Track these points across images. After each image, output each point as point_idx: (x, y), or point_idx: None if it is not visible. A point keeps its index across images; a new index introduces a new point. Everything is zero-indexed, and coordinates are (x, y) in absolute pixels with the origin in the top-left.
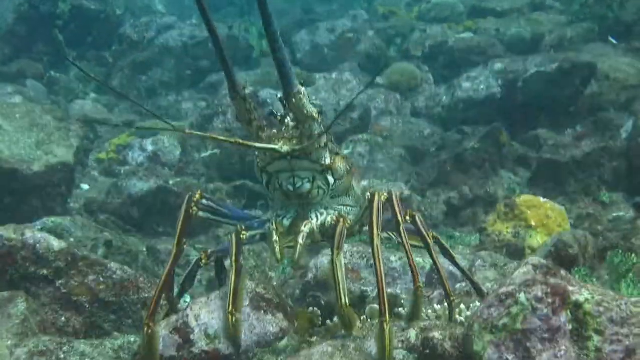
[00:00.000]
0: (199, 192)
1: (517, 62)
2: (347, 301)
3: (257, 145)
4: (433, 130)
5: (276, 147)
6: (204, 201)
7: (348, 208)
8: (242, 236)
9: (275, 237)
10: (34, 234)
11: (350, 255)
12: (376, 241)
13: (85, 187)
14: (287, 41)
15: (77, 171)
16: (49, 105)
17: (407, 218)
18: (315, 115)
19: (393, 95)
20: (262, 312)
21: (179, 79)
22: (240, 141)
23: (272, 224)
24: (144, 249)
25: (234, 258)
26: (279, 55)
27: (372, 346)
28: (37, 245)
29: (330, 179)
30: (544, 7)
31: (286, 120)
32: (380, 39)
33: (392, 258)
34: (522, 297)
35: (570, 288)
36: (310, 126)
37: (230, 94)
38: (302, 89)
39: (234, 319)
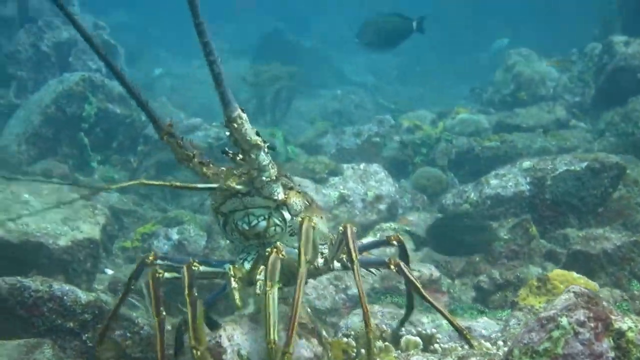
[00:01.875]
0: (152, 254)
1: (546, 160)
2: (275, 337)
3: (198, 185)
4: None
5: (215, 185)
6: (159, 261)
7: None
8: (194, 267)
9: (233, 284)
10: (61, 286)
11: (381, 316)
12: (355, 264)
13: (109, 272)
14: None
15: (102, 257)
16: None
17: (392, 267)
18: (260, 143)
19: (420, 195)
20: (297, 336)
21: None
22: (177, 184)
23: (230, 270)
24: (170, 327)
25: (186, 291)
26: (216, 69)
27: None
28: (65, 297)
29: (287, 215)
30: (568, 126)
31: (238, 158)
32: (405, 144)
33: (424, 320)
34: (564, 321)
35: (613, 316)
36: (256, 156)
37: (157, 134)
38: (243, 115)
39: (198, 354)
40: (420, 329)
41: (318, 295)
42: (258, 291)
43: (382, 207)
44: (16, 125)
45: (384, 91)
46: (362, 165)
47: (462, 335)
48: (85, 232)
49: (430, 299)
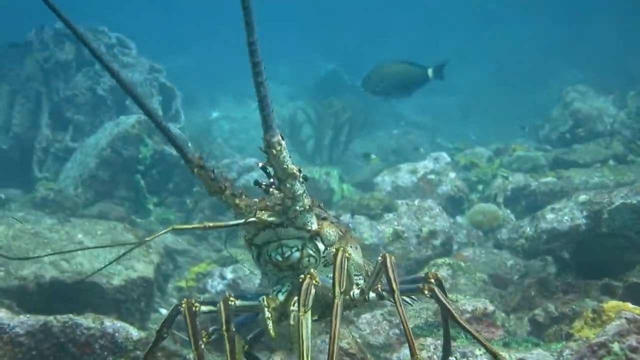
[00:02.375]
0: (185, 301)
1: (602, 194)
2: None
3: (230, 223)
4: (516, 261)
5: (247, 220)
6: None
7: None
8: (230, 302)
9: (267, 314)
10: (113, 322)
11: (434, 349)
12: (396, 294)
13: (164, 311)
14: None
15: (156, 296)
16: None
17: (426, 292)
18: (296, 172)
19: (475, 231)
20: None
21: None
22: (210, 224)
23: (264, 300)
24: None
25: (224, 326)
26: (262, 91)
27: None
28: (116, 334)
29: (320, 246)
30: (626, 162)
31: (271, 189)
32: (461, 181)
33: (477, 352)
34: (615, 346)
35: None
36: (291, 185)
37: (188, 167)
38: (283, 142)
39: None
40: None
41: (372, 330)
42: (292, 322)
43: (437, 242)
44: (73, 168)
45: (441, 131)
46: (416, 201)
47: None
48: (139, 271)
49: (466, 325)
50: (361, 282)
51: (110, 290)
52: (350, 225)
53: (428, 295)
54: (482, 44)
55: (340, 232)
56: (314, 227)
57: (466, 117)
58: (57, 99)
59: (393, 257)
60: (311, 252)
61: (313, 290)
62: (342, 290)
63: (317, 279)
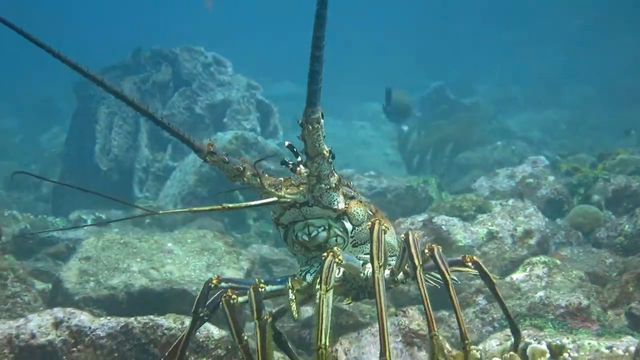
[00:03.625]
0: (215, 277)
1: None
2: (326, 342)
3: (251, 203)
4: (615, 259)
5: (269, 200)
6: (222, 284)
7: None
8: (260, 289)
9: (291, 295)
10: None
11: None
12: (418, 269)
13: None
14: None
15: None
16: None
17: (469, 263)
18: (325, 152)
19: (574, 232)
20: (416, 347)
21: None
22: (229, 205)
23: (289, 282)
24: None
25: (255, 314)
26: (316, 67)
27: None
28: (197, 333)
29: (348, 225)
30: None
31: (298, 168)
32: (561, 184)
33: (565, 340)
34: None
35: None
36: (318, 165)
37: (199, 156)
38: (322, 120)
39: None
40: (550, 340)
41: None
42: (317, 301)
43: (532, 241)
44: (172, 186)
45: (549, 145)
46: (510, 201)
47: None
48: None
49: (501, 296)
50: (393, 263)
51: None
52: (443, 227)
53: (472, 267)
54: (591, 59)
55: (369, 211)
56: (341, 206)
57: (575, 131)
58: None
59: (416, 234)
60: (338, 231)
61: (335, 268)
62: (380, 263)
63: (341, 257)
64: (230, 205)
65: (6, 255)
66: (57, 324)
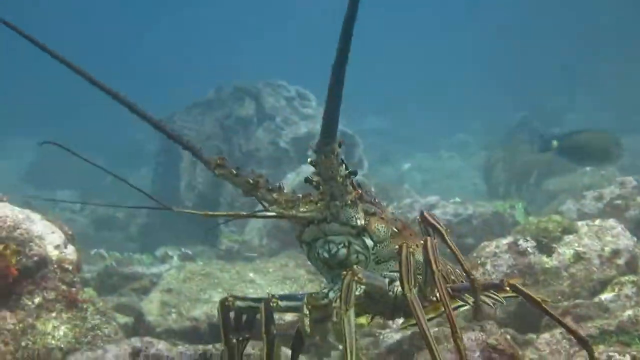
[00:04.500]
0: (230, 296)
1: None
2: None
3: (265, 214)
4: None
5: (279, 213)
6: (238, 303)
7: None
8: (272, 304)
9: (305, 311)
10: None
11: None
12: (436, 274)
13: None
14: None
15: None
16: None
17: (507, 288)
18: (339, 179)
19: None
20: None
21: (443, 257)
22: (244, 213)
23: (305, 299)
24: None
25: (263, 328)
26: (335, 101)
27: None
28: None
29: (369, 242)
30: None
31: (321, 187)
32: None
33: None
34: None
35: None
36: (330, 187)
37: (208, 169)
38: (338, 149)
39: None
40: (635, 354)
41: (551, 350)
42: (335, 319)
43: (621, 261)
44: (257, 221)
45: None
46: (597, 221)
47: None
48: None
49: (554, 314)
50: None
51: (283, 327)
52: (528, 249)
53: (510, 291)
54: None
55: (395, 229)
56: (360, 222)
57: None
58: (238, 154)
59: (435, 241)
60: (359, 248)
61: (354, 287)
62: (411, 286)
63: (360, 275)
64: (245, 213)
65: (86, 289)
66: (135, 354)
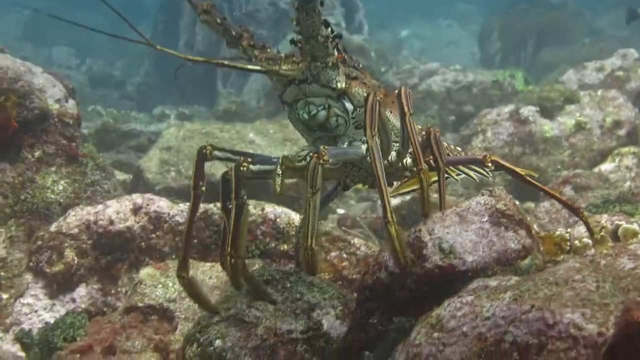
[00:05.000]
0: (209, 145)
1: None
2: (313, 243)
3: (247, 66)
4: None
5: (263, 68)
6: (217, 153)
7: (381, 141)
8: (242, 168)
9: (278, 170)
10: (274, 208)
11: (610, 224)
12: (442, 171)
13: (341, 211)
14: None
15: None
16: None
17: (488, 163)
18: (320, 38)
19: None
20: (503, 228)
21: (442, 125)
22: (226, 62)
23: (280, 159)
24: None
25: (232, 194)
26: None
27: (624, 263)
28: (278, 219)
29: (349, 106)
30: None
31: (303, 47)
32: None
33: None
34: None
35: None
36: (311, 47)
37: (195, 12)
38: (320, 7)
39: (232, 261)
40: None
41: (550, 219)
42: (304, 203)
43: (622, 132)
44: (256, 82)
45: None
46: (599, 92)
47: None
48: None
49: (541, 186)
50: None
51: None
52: (530, 118)
53: (491, 167)
54: None
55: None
56: (341, 85)
57: None
58: (239, 14)
59: (439, 132)
60: (338, 111)
61: (320, 170)
62: (374, 132)
63: (326, 157)
64: (227, 62)
65: (85, 144)
66: (136, 210)
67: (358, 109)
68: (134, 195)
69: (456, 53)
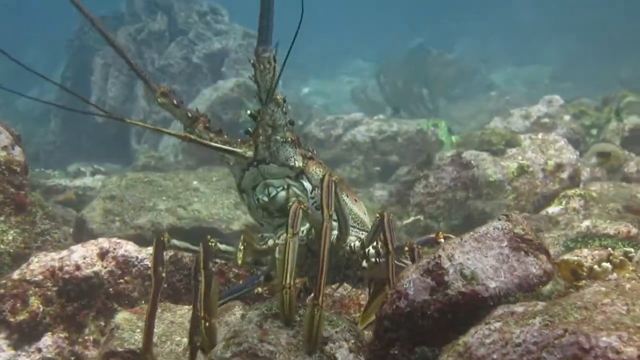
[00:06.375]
0: (166, 234)
1: None
2: (291, 282)
3: (212, 144)
4: None
5: (228, 147)
6: (174, 241)
7: (339, 224)
8: (210, 243)
9: (240, 246)
10: None
11: (592, 259)
12: (391, 256)
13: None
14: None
15: None
16: None
17: (440, 240)
18: (280, 100)
19: (598, 169)
20: (523, 252)
21: (367, 175)
22: (192, 137)
23: (242, 236)
24: None
25: (201, 265)
26: (268, 2)
27: None
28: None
29: (307, 185)
30: None
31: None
32: (577, 124)
33: None
34: None
35: None
36: (272, 112)
37: (152, 95)
38: (274, 62)
39: (206, 324)
40: None
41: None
42: (277, 255)
43: (564, 175)
44: (173, 137)
45: (534, 98)
46: (540, 135)
47: None
48: None
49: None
50: (363, 235)
51: (230, 235)
52: (472, 162)
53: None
54: (573, 15)
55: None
56: (298, 163)
57: (557, 85)
58: (151, 69)
59: (391, 215)
60: (298, 191)
61: (301, 214)
62: (330, 213)
63: (306, 204)
64: (193, 136)
65: (34, 193)
66: (103, 255)
67: (316, 189)
68: (100, 240)
69: (356, 108)
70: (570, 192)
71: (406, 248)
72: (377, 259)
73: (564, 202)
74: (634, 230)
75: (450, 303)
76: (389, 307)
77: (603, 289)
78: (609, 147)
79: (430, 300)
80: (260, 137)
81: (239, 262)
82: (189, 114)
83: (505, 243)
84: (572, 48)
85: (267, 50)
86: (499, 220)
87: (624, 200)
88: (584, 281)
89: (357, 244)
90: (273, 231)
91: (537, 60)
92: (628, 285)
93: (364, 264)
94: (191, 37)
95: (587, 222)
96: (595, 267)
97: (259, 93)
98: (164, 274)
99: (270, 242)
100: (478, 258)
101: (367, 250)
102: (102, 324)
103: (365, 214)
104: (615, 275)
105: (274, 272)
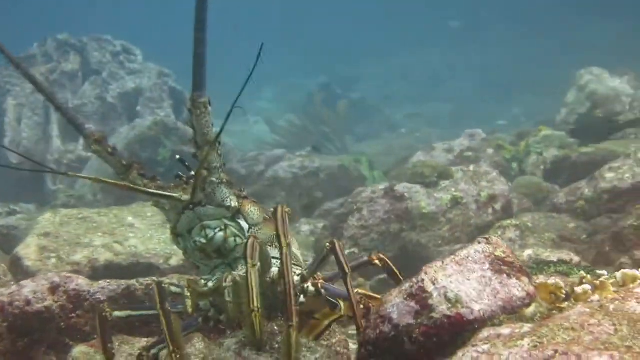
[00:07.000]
0: (109, 309)
1: None
2: (258, 306)
3: (150, 190)
4: (577, 223)
5: (165, 192)
6: (117, 313)
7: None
8: (164, 285)
9: (186, 293)
10: None
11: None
12: (348, 276)
13: None
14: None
15: None
16: None
17: (377, 262)
18: (215, 144)
19: (525, 200)
20: (505, 275)
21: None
22: (131, 185)
23: (185, 282)
24: None
25: (159, 305)
26: (200, 48)
27: (633, 307)
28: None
29: (244, 224)
30: None
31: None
32: (500, 157)
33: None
34: None
35: None
36: (207, 154)
37: (86, 143)
38: (209, 106)
39: (177, 357)
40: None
41: None
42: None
43: (497, 206)
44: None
45: (439, 136)
46: (471, 167)
47: None
48: None
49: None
50: (298, 270)
51: (168, 271)
52: (405, 194)
53: (380, 265)
54: (466, 57)
55: (266, 216)
56: (234, 204)
57: (456, 123)
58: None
59: (342, 242)
60: (235, 231)
61: (257, 247)
62: (288, 241)
63: (260, 239)
64: (132, 185)
65: None
66: (54, 289)
67: (253, 228)
68: (50, 275)
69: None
70: (505, 222)
71: (327, 244)
72: (317, 292)
73: (499, 233)
74: (576, 259)
75: (436, 326)
76: (372, 331)
77: (588, 310)
78: (534, 180)
79: (415, 324)
80: (195, 184)
81: (190, 310)
82: (123, 162)
83: (487, 266)
84: (468, 87)
85: (203, 96)
86: (479, 243)
87: (557, 230)
88: (566, 303)
89: (297, 278)
90: (210, 273)
91: (436, 99)
92: (612, 307)
93: (302, 298)
94: (105, 76)
95: (529, 252)
96: (576, 289)
97: (195, 137)
98: (114, 351)
99: (210, 284)
100: (461, 281)
101: (305, 286)
102: (54, 359)
103: (298, 249)
104: (597, 296)
105: (213, 314)
